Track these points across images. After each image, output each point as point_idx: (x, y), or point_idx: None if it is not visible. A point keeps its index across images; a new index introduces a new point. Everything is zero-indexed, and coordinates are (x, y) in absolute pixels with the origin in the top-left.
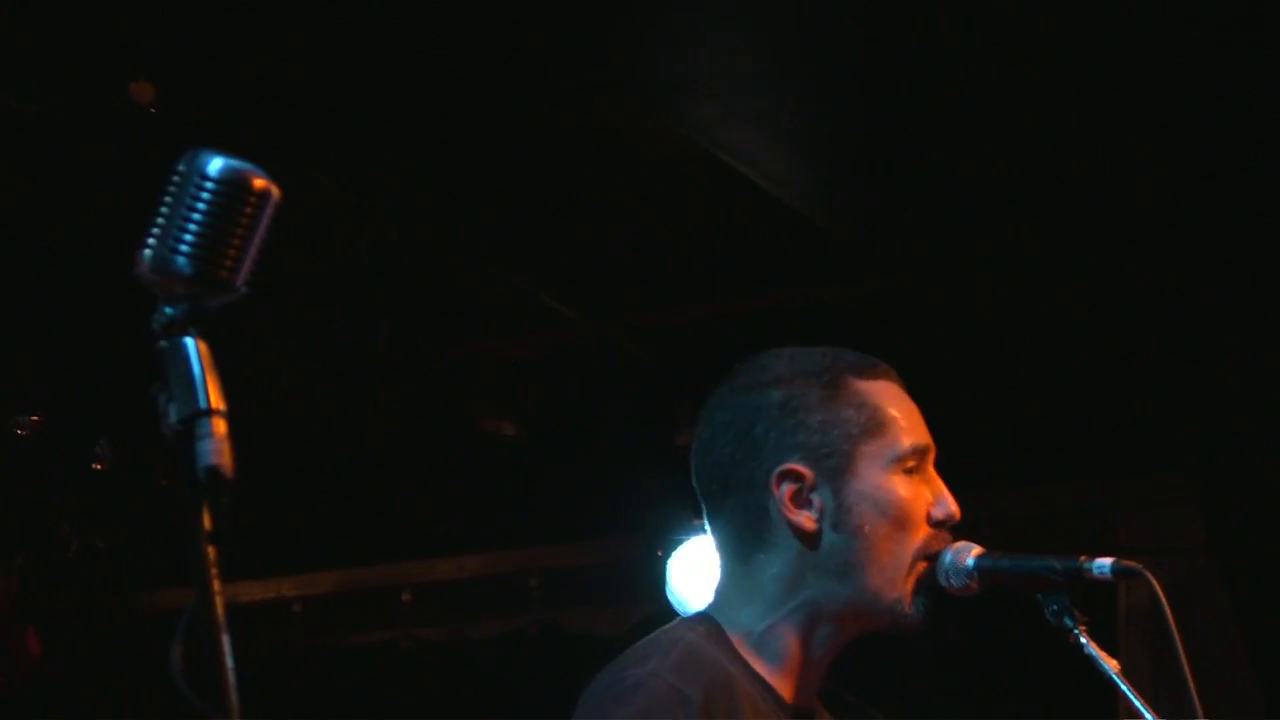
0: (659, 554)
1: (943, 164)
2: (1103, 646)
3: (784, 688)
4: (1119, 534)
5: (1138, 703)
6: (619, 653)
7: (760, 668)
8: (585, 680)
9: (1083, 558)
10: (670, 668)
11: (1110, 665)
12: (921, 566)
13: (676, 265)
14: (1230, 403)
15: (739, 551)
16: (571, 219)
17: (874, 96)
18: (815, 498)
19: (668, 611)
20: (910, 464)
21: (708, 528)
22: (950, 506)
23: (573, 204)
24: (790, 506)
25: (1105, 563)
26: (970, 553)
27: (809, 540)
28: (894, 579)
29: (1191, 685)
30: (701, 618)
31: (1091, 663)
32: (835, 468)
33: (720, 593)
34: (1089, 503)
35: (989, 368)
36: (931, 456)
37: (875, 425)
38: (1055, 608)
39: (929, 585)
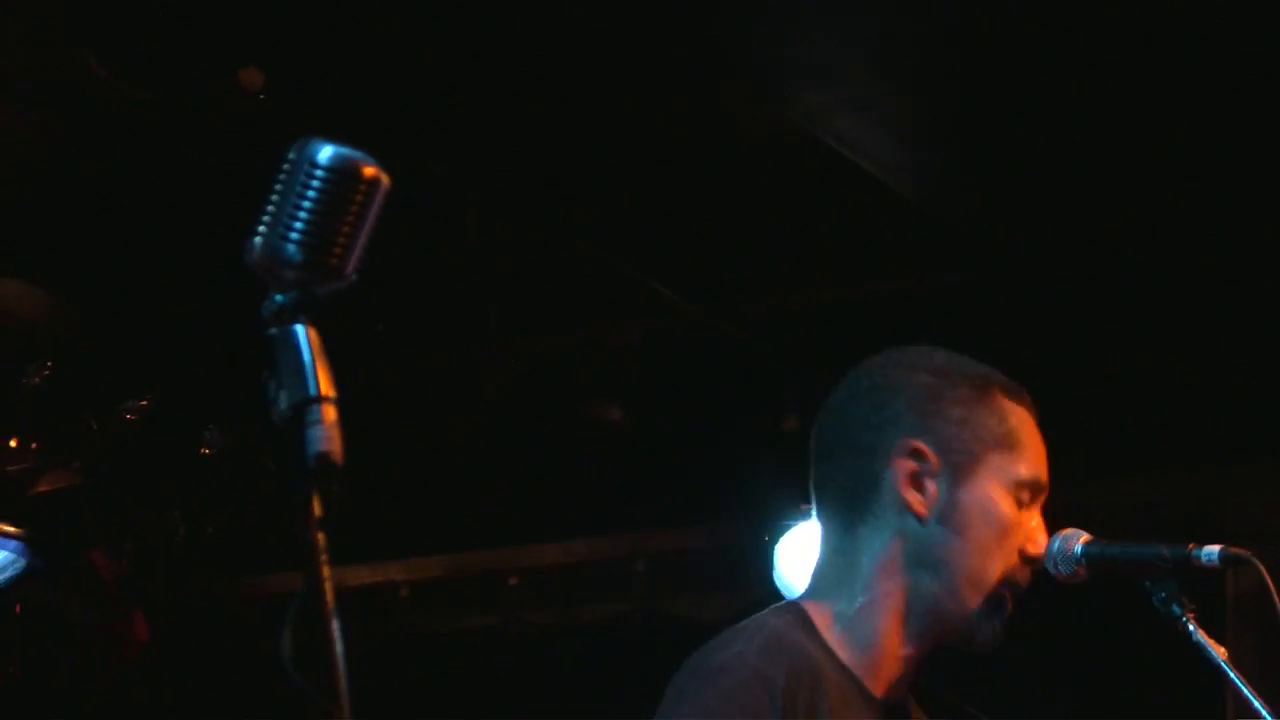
0: (766, 539)
1: (1050, 151)
2: (1210, 634)
3: (870, 678)
4: (1225, 520)
5: (1246, 690)
6: None
7: (846, 656)
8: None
9: (1191, 545)
10: (755, 651)
11: (1218, 653)
12: (1002, 592)
13: (784, 252)
14: None
15: (842, 519)
16: (679, 205)
17: (982, 83)
18: (931, 484)
19: (775, 596)
20: (1025, 495)
21: (813, 495)
22: (1043, 549)
23: (681, 190)
24: (906, 482)
25: (1213, 550)
26: (1078, 540)
27: (912, 522)
28: (980, 590)
29: None
30: (790, 605)
31: (1199, 650)
32: (960, 463)
33: (816, 574)
34: (1195, 489)
35: (1095, 355)
36: (1044, 499)
37: (1009, 442)
38: (1163, 595)
39: (1002, 611)
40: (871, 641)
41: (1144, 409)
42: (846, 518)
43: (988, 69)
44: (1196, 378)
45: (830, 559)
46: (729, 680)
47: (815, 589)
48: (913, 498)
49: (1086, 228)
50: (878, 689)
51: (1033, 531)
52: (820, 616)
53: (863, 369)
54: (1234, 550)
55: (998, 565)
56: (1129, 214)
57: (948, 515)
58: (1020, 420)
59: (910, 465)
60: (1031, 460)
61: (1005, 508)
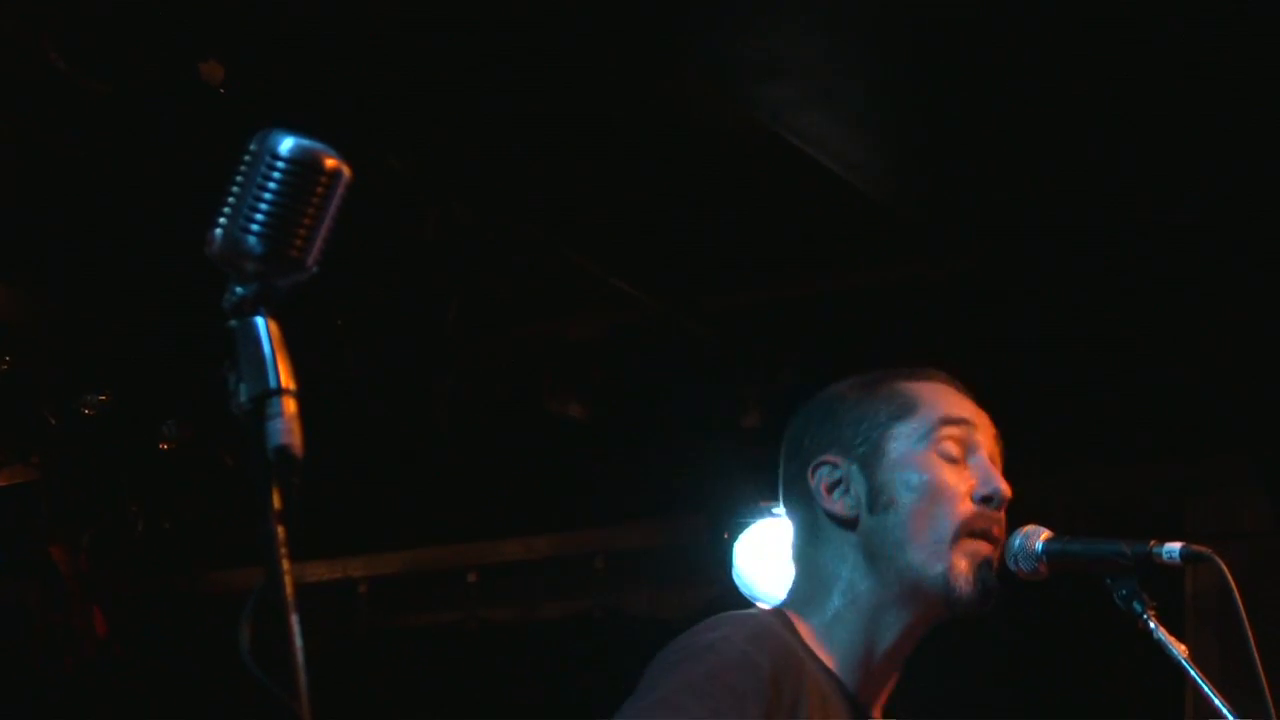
0: (725, 536)
1: (1011, 147)
2: (1171, 631)
3: (851, 682)
4: (1185, 518)
5: (1206, 688)
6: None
7: (829, 660)
8: (650, 662)
9: (1152, 542)
10: (743, 636)
11: (1179, 650)
12: (971, 545)
13: (744, 247)
14: None
15: (801, 552)
16: (639, 200)
17: (943, 79)
18: (850, 486)
19: (733, 593)
20: (948, 446)
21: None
22: (995, 482)
23: (641, 185)
24: (826, 496)
25: (1175, 547)
26: (1039, 537)
27: (849, 527)
28: (937, 551)
29: (1260, 670)
30: (775, 611)
31: (1160, 648)
32: (866, 454)
33: (790, 593)
34: (1155, 486)
35: (1054, 351)
36: (982, 437)
37: (906, 410)
38: (1124, 592)
39: (985, 567)
40: (851, 647)
41: (1105, 406)
42: (804, 547)
43: (948, 63)
44: (1157, 376)
45: (802, 581)
46: (716, 659)
47: (794, 604)
48: (835, 506)
49: (1048, 223)
50: (857, 693)
51: (976, 474)
52: (803, 627)
53: (785, 435)
54: (1195, 547)
55: (946, 521)
56: (1091, 209)
57: (874, 502)
58: (920, 388)
59: (824, 480)
60: (937, 406)
61: (925, 464)
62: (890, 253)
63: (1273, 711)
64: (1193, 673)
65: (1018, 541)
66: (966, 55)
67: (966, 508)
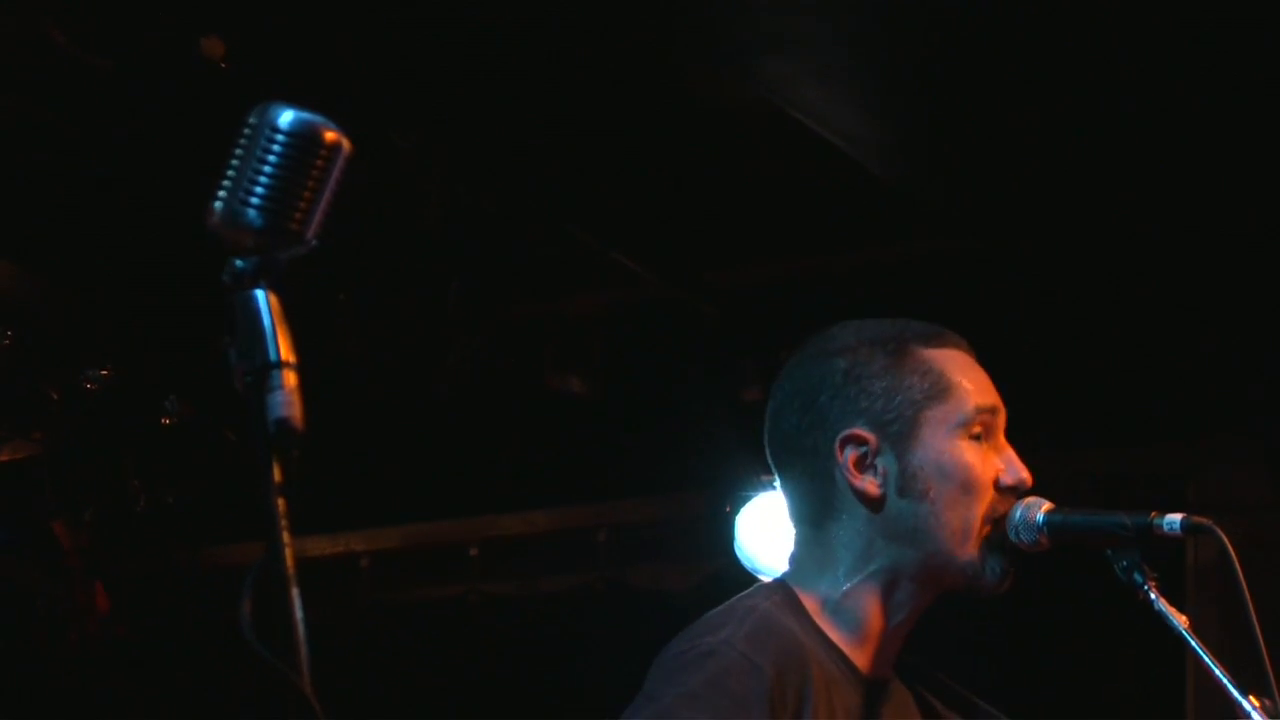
0: (727, 510)
1: (1015, 123)
2: (1172, 603)
3: (859, 657)
4: (1187, 493)
5: (1207, 658)
6: (686, 608)
7: (836, 636)
8: (652, 636)
9: (1153, 514)
10: (743, 637)
11: (1180, 621)
12: (989, 530)
13: (746, 223)
14: None
15: (810, 520)
16: (641, 176)
17: (949, 53)
18: (880, 463)
19: (735, 567)
20: (977, 429)
21: (782, 494)
22: (1020, 472)
23: (643, 161)
24: (854, 472)
25: (1175, 519)
26: (1040, 508)
27: (874, 506)
28: (964, 543)
29: (1261, 641)
30: (778, 585)
31: (1161, 619)
32: (899, 433)
33: (795, 561)
34: (1157, 462)
35: (1058, 328)
36: (1001, 421)
37: (940, 391)
38: (1125, 564)
39: (1002, 547)
40: (861, 621)
41: (1107, 382)
42: (813, 515)
43: (953, 40)
44: (1160, 351)
45: (807, 551)
46: (716, 665)
47: (798, 576)
48: (864, 483)
49: (1052, 200)
50: (866, 667)
51: (1002, 460)
52: (809, 600)
53: (783, 374)
54: (1196, 519)
55: (974, 512)
56: (1094, 187)
57: (906, 486)
58: (945, 362)
59: (853, 454)
60: (970, 393)
61: (960, 455)
62: (892, 228)
63: (1273, 682)
64: (1193, 644)
65: (1019, 513)
66: (968, 29)
67: (992, 495)
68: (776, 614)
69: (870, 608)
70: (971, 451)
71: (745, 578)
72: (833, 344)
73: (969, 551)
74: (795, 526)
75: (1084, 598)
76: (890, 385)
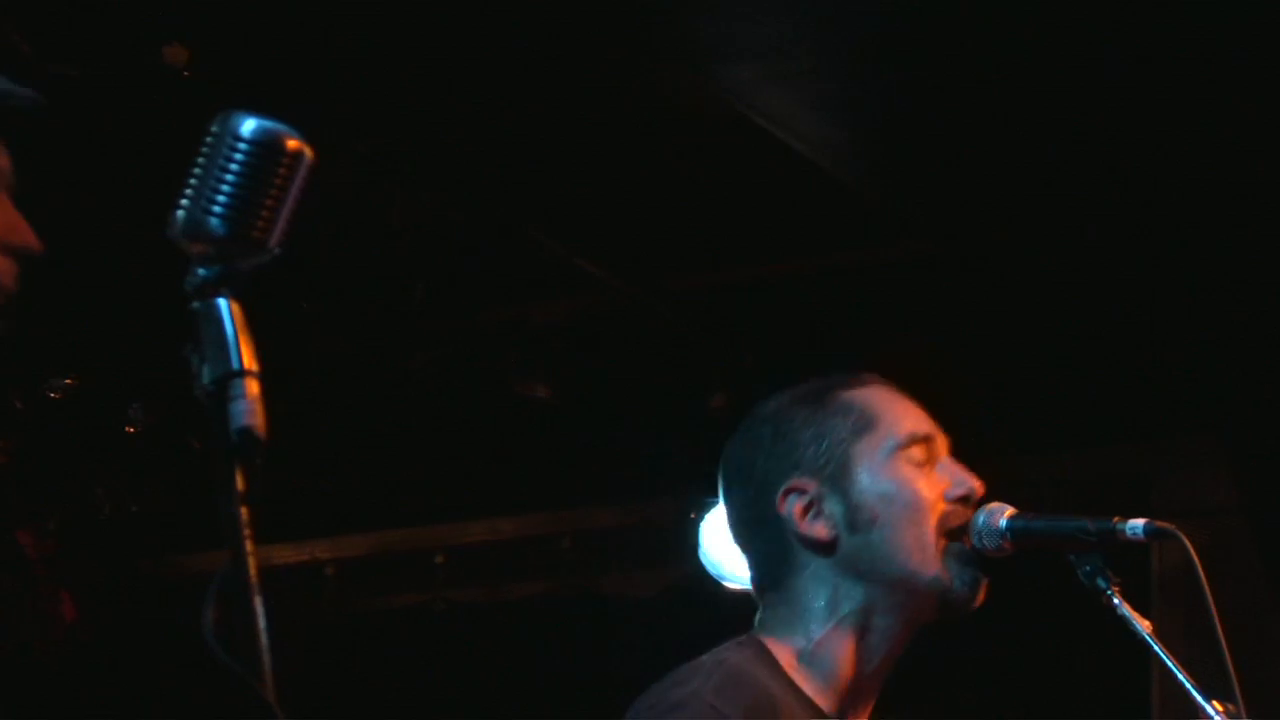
0: (692, 517)
1: (978, 128)
2: (1136, 608)
3: (833, 706)
4: (1151, 496)
5: (1170, 663)
6: (651, 614)
7: (810, 688)
8: (618, 642)
9: (1116, 519)
10: (712, 689)
11: (1143, 626)
12: (953, 545)
13: (711, 229)
14: (1262, 364)
15: (773, 583)
16: (606, 182)
17: (910, 59)
18: (824, 507)
19: (700, 574)
20: (915, 455)
21: (750, 579)
22: (970, 481)
23: (607, 167)
24: (801, 521)
25: (1139, 524)
26: (1003, 514)
27: (830, 550)
28: (925, 561)
29: (1224, 646)
30: (748, 639)
31: (1125, 624)
32: (835, 473)
33: (766, 615)
34: (1121, 466)
35: (1021, 331)
36: (941, 446)
37: (865, 424)
38: (1089, 569)
39: (966, 558)
40: (835, 671)
41: (1070, 385)
42: (776, 578)
43: (916, 44)
44: (1123, 354)
45: (775, 611)
46: (684, 718)
47: (769, 628)
48: (814, 530)
49: (1014, 203)
50: (839, 712)
51: (946, 476)
52: (782, 653)
53: (727, 452)
54: (1159, 524)
55: (927, 526)
56: (1057, 191)
57: (854, 521)
58: (866, 398)
59: (797, 505)
60: (897, 420)
61: (899, 475)
62: (856, 234)
63: (1236, 687)
64: (1157, 649)
65: (981, 519)
66: (930, 34)
67: (943, 507)
68: (747, 666)
69: (844, 655)
70: (911, 471)
71: (710, 584)
72: (760, 413)
73: (932, 568)
74: (761, 596)
75: (1048, 603)
76: (816, 432)
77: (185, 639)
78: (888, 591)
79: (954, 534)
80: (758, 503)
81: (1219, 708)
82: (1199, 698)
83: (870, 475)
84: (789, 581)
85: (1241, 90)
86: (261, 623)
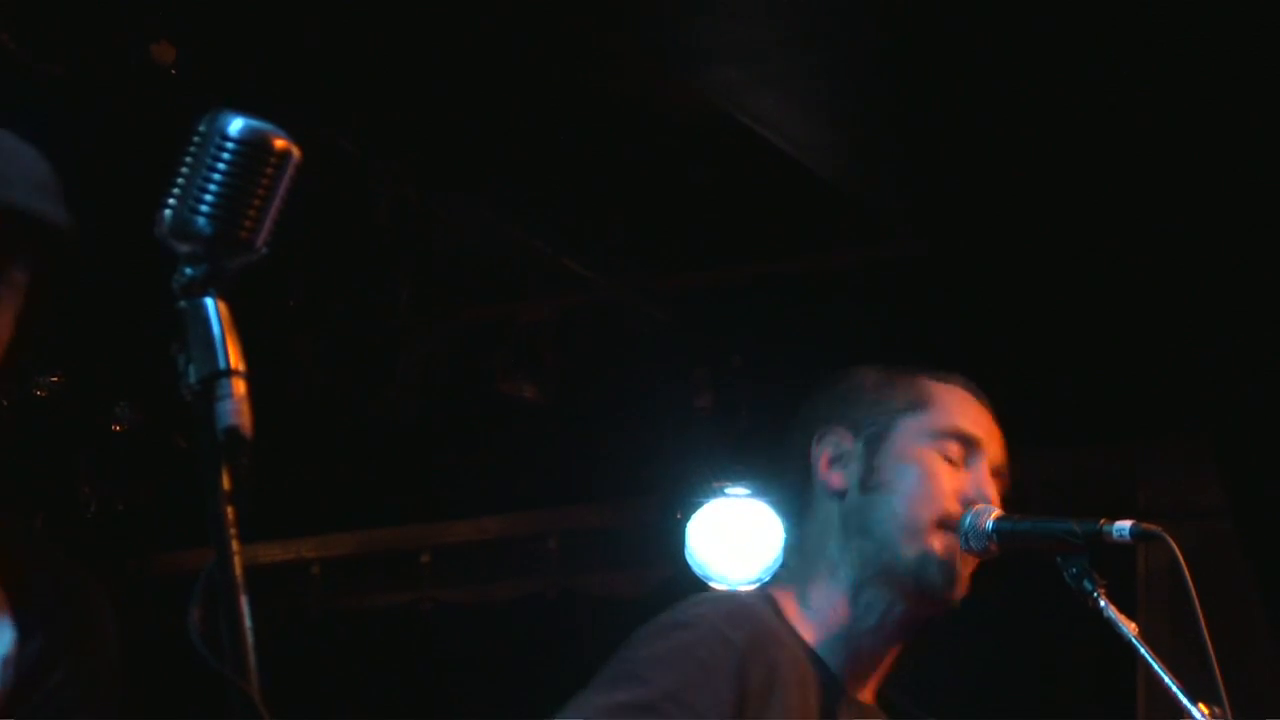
0: (678, 517)
1: (965, 128)
2: (1122, 610)
3: (833, 659)
4: (1139, 497)
5: (1156, 665)
6: (637, 615)
7: (810, 636)
8: (603, 642)
9: (1102, 521)
10: (721, 614)
11: (1129, 628)
12: (946, 538)
13: (698, 228)
14: (1250, 364)
15: (793, 519)
16: (592, 182)
17: (897, 60)
18: (848, 462)
19: (686, 575)
20: (952, 449)
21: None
22: (987, 494)
23: (594, 167)
24: (824, 467)
25: (1125, 526)
26: (990, 515)
27: (839, 499)
28: (914, 537)
29: (1210, 648)
30: (760, 590)
31: (1111, 625)
32: (873, 435)
33: (781, 565)
34: (1108, 466)
35: (1009, 332)
36: (987, 455)
37: (921, 404)
38: (1075, 570)
39: (951, 554)
40: (830, 621)
41: (1057, 386)
42: (795, 514)
43: (904, 47)
44: (1110, 355)
45: (790, 550)
46: (688, 634)
47: (780, 577)
48: (831, 477)
49: (1002, 204)
50: (841, 670)
51: (974, 480)
52: (785, 600)
53: (800, 409)
54: (1145, 526)
55: (927, 511)
56: (1045, 193)
57: (869, 482)
58: (938, 388)
59: (827, 451)
60: (949, 413)
61: (924, 459)
62: (843, 234)
63: (1222, 688)
64: (1142, 651)
65: (968, 520)
66: (917, 35)
67: (952, 506)
68: (756, 605)
69: (838, 607)
70: (938, 463)
71: (696, 584)
72: (847, 371)
73: (917, 548)
74: (786, 526)
75: (1034, 604)
76: (878, 396)
77: (171, 637)
78: (873, 557)
79: (952, 530)
80: (795, 441)
81: (1204, 709)
82: (1184, 699)
83: (899, 448)
84: (803, 524)
85: (1232, 90)
86: (247, 621)
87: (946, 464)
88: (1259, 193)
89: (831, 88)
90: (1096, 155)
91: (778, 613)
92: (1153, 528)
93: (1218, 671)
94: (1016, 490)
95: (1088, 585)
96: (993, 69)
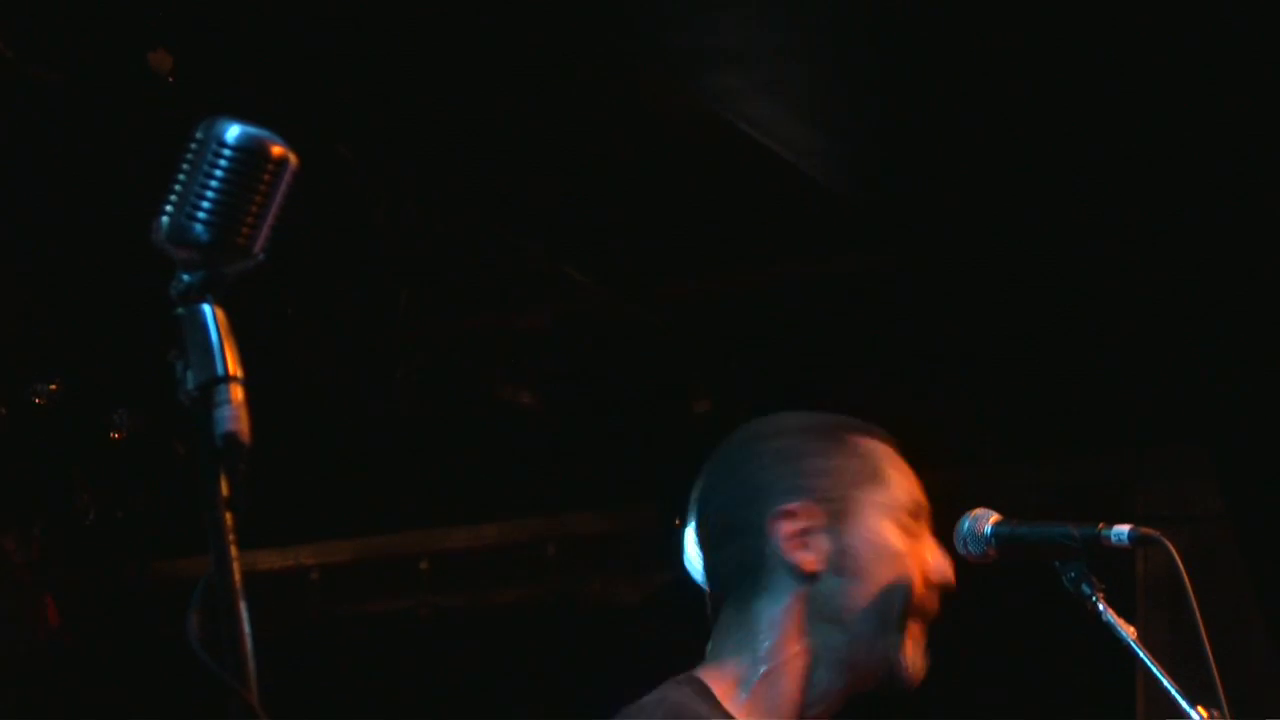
0: (676, 523)
1: (961, 134)
2: (1120, 614)
3: None
4: (1137, 503)
5: (1155, 670)
6: (635, 621)
7: None
8: (601, 648)
9: (1101, 525)
10: None
11: (1128, 632)
12: (916, 627)
13: (694, 235)
14: (1248, 371)
15: (735, 599)
16: (589, 188)
17: (895, 66)
18: (816, 540)
19: (684, 580)
20: (907, 519)
21: (707, 583)
22: (947, 572)
23: (591, 173)
24: (790, 546)
25: (1123, 530)
26: (988, 520)
27: (808, 582)
28: (888, 629)
29: (1209, 652)
30: (688, 678)
31: (1109, 630)
32: (839, 511)
33: (713, 647)
34: (1106, 472)
35: (1006, 339)
36: (927, 520)
37: (875, 475)
38: (1073, 575)
39: (922, 645)
40: (776, 706)
41: (1055, 392)
42: (740, 593)
43: (899, 52)
44: (1108, 361)
45: (728, 632)
46: None
47: (711, 661)
48: (802, 558)
49: (998, 211)
50: None
51: (930, 555)
52: (721, 686)
53: (719, 453)
54: (1144, 530)
55: (904, 600)
56: (1042, 199)
57: (841, 564)
58: (879, 453)
59: (790, 528)
60: (902, 484)
61: (895, 539)
62: (840, 240)
63: (1221, 693)
64: (1141, 655)
65: (966, 525)
66: (915, 41)
67: (921, 590)
68: (689, 704)
69: (788, 692)
70: (902, 539)
71: (694, 591)
72: (767, 428)
73: (891, 641)
74: (717, 611)
75: (1032, 609)
76: (829, 465)
77: (170, 645)
78: (844, 645)
79: (920, 619)
80: (743, 511)
81: (1203, 713)
82: (1183, 703)
83: (869, 527)
84: (751, 603)
85: (1230, 94)
86: (246, 628)
87: (907, 540)
88: (1256, 199)
89: (827, 94)
90: (1093, 163)
91: (713, 702)
92: (1151, 532)
93: (1216, 675)
94: (1014, 496)
95: (1086, 590)
96: (988, 75)
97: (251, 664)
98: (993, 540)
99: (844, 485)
